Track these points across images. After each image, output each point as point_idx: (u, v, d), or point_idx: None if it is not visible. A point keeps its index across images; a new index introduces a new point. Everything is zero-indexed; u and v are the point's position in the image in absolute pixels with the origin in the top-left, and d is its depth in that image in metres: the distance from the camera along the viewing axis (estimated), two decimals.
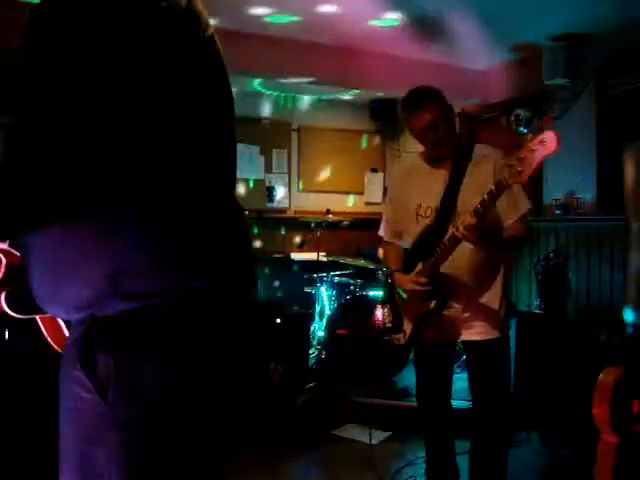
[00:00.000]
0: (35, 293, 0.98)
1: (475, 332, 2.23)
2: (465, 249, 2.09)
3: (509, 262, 2.41)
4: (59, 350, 1.21)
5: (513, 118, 4.54)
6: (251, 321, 1.08)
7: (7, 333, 2.47)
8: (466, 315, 2.23)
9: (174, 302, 0.91)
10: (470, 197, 2.08)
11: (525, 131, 4.50)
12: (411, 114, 2.19)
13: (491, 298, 2.23)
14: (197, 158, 0.96)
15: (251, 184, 5.80)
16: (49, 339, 1.23)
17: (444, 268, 2.16)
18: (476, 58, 4.70)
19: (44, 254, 0.93)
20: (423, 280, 2.19)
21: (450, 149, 2.20)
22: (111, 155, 0.84)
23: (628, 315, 2.08)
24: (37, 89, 0.80)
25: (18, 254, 1.06)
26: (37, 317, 1.21)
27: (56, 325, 1.22)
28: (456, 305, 2.22)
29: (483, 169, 2.14)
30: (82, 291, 0.91)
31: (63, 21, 0.80)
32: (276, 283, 5.55)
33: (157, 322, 0.91)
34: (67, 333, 1.19)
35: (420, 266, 2.25)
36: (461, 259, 2.14)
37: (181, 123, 0.91)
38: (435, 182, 2.24)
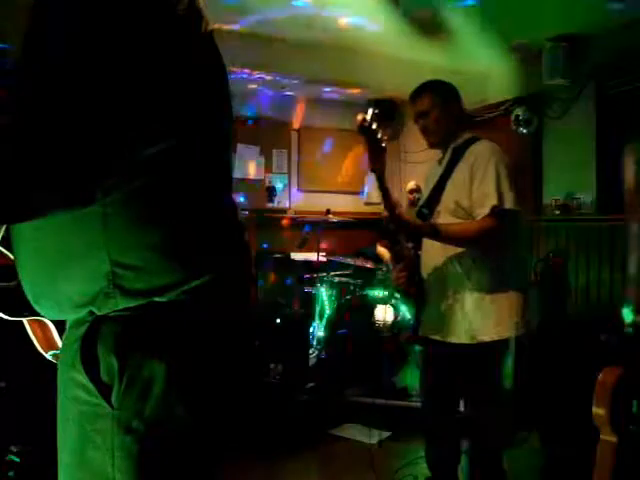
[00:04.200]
0: (27, 290, 0.95)
1: (448, 332, 2.15)
2: (434, 243, 2.15)
3: (495, 259, 2.14)
4: (45, 354, 1.20)
5: (513, 118, 4.54)
6: (253, 318, 1.07)
7: None
8: (443, 311, 2.16)
9: (178, 299, 0.89)
10: (450, 195, 2.15)
11: (525, 131, 4.50)
12: (410, 101, 2.31)
13: (469, 297, 2.12)
14: (198, 156, 0.94)
15: (251, 184, 5.80)
16: (36, 343, 1.21)
17: (426, 261, 2.23)
18: (476, 58, 4.70)
19: (40, 248, 0.90)
20: (400, 274, 2.27)
21: (439, 140, 2.27)
22: (113, 152, 0.82)
23: (628, 315, 2.07)
24: (37, 86, 0.77)
25: (7, 253, 1.03)
26: (24, 320, 1.20)
27: (45, 328, 1.20)
28: (434, 301, 2.20)
29: (467, 167, 2.14)
30: (80, 287, 0.88)
31: (62, 16, 0.78)
32: (276, 283, 5.55)
33: (162, 320, 0.88)
34: (56, 336, 1.17)
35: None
36: (435, 253, 2.19)
37: (182, 120, 0.90)
38: (434, 177, 2.30)
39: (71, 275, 0.89)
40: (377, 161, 2.05)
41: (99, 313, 0.88)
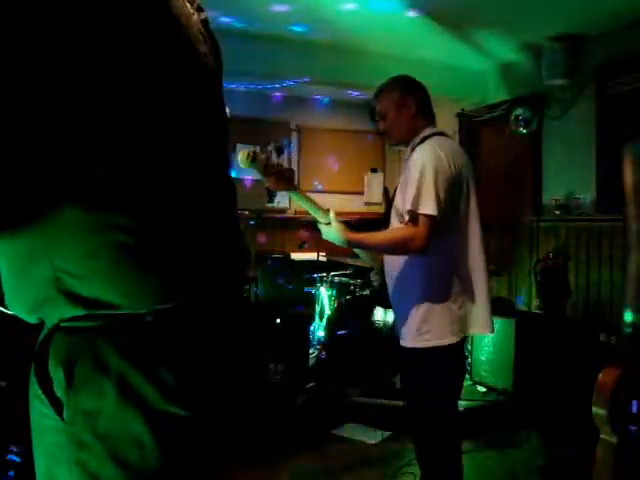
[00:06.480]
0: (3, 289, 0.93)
1: (402, 335, 2.18)
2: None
3: (429, 265, 2.09)
4: None
5: (513, 118, 4.54)
6: (225, 335, 0.98)
7: None
8: (396, 315, 2.23)
9: (130, 312, 0.83)
10: (397, 200, 2.20)
11: (525, 131, 4.50)
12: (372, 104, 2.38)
13: (409, 302, 2.12)
14: (173, 148, 0.87)
15: (251, 184, 5.80)
16: None
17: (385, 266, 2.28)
18: (477, 58, 4.71)
19: (4, 249, 0.88)
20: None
21: (398, 141, 2.29)
22: (61, 151, 0.77)
23: (628, 315, 2.08)
24: None
25: None
26: None
27: None
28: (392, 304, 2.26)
29: (406, 173, 2.16)
30: (29, 292, 0.86)
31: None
32: (276, 283, 5.55)
33: (111, 332, 0.82)
34: None
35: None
36: (388, 260, 2.23)
37: (151, 112, 0.84)
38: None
39: (23, 279, 0.86)
40: (283, 183, 2.14)
41: (49, 322, 0.84)
